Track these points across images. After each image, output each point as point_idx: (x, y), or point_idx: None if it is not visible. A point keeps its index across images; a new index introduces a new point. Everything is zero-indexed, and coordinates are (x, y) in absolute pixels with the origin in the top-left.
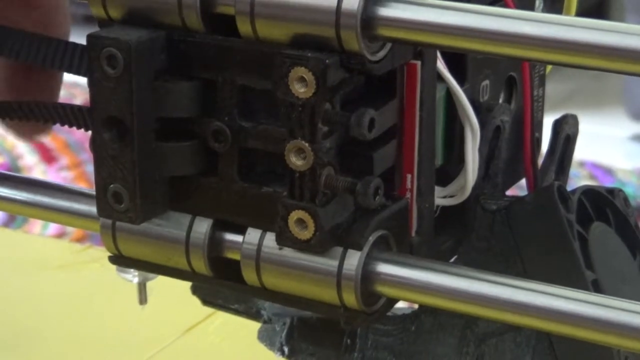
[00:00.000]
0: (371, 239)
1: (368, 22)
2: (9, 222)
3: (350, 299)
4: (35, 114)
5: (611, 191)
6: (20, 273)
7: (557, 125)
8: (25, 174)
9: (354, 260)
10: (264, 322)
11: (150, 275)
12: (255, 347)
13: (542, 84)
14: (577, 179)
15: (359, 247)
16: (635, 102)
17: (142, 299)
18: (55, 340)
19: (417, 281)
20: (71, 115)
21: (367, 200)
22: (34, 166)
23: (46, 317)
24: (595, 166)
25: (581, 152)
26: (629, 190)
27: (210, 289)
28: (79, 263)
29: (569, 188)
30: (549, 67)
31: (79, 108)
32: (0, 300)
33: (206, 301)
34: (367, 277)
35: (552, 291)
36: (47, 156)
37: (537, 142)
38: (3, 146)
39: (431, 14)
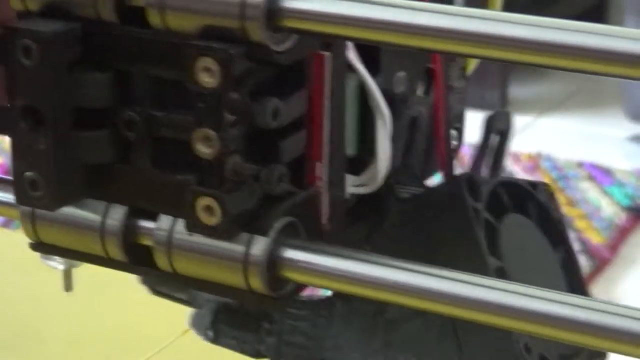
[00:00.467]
0: (278, 225)
1: (273, 13)
2: (9, 223)
3: (257, 283)
4: None
5: (534, 185)
6: (19, 273)
7: (489, 121)
8: None
9: (260, 245)
10: (197, 308)
11: (76, 262)
12: None
13: (464, 76)
14: (577, 180)
15: (265, 233)
16: (634, 103)
17: (68, 285)
18: (55, 339)
19: (324, 267)
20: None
21: (271, 187)
22: None
23: (46, 317)
24: (594, 167)
25: (580, 152)
26: (628, 191)
27: (158, 279)
28: (75, 264)
29: (569, 191)
30: (472, 61)
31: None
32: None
33: (155, 291)
34: (274, 262)
35: (453, 276)
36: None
37: (459, 133)
38: (2, 147)
39: (337, 6)
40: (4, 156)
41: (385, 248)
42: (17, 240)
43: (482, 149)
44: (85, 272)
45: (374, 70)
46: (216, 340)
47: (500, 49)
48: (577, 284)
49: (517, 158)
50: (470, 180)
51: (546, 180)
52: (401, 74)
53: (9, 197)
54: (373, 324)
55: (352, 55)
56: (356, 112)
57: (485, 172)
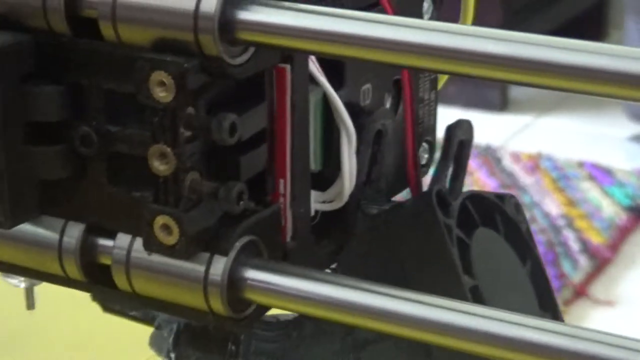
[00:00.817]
0: (238, 244)
1: (226, 25)
2: None
3: (217, 305)
4: None
5: (501, 197)
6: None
7: (450, 130)
8: None
9: (219, 265)
10: (156, 328)
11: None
12: None
13: (434, 87)
14: (577, 180)
15: (225, 253)
16: (634, 103)
17: (30, 304)
18: (54, 339)
19: (286, 288)
20: None
21: (230, 205)
22: None
23: (45, 317)
24: (595, 167)
25: (580, 152)
26: (628, 191)
27: (109, 296)
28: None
29: (569, 190)
30: (442, 76)
31: None
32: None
33: (106, 307)
34: (234, 283)
35: (427, 300)
36: None
37: (430, 146)
38: None
39: (293, 18)
40: None
41: (353, 266)
42: None
43: (444, 159)
44: None
45: (338, 82)
46: None
47: (467, 64)
48: (546, 297)
49: (517, 158)
50: (440, 195)
51: (546, 180)
52: (367, 87)
53: None
54: (343, 344)
55: (314, 68)
56: (320, 126)
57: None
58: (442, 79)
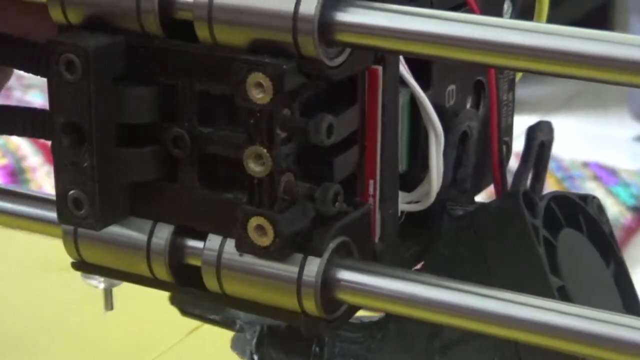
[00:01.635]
0: (331, 245)
1: (326, 27)
2: None
3: (310, 305)
4: None
5: (584, 198)
6: (25, 275)
7: (531, 132)
8: (29, 175)
9: (313, 266)
10: (237, 331)
11: (117, 281)
12: None
13: (512, 88)
14: (582, 180)
15: (318, 254)
16: (639, 103)
17: (108, 305)
18: (60, 342)
19: (378, 288)
20: (31, 123)
21: (326, 207)
22: (38, 167)
23: (50, 319)
24: (600, 167)
25: (585, 152)
26: (633, 191)
27: (189, 300)
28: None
29: (574, 190)
30: (519, 73)
31: (42, 113)
32: (5, 301)
33: (185, 312)
34: (327, 283)
35: (516, 299)
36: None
37: (507, 146)
38: (7, 147)
39: (391, 19)
40: (8, 156)
41: (439, 267)
42: (22, 241)
43: (525, 160)
44: None
45: (424, 84)
46: None
47: (557, 63)
48: (630, 298)
49: None
50: (527, 196)
51: (551, 181)
52: (451, 88)
53: (49, 215)
54: (428, 345)
55: (404, 69)
56: (407, 127)
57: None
58: (519, 74)
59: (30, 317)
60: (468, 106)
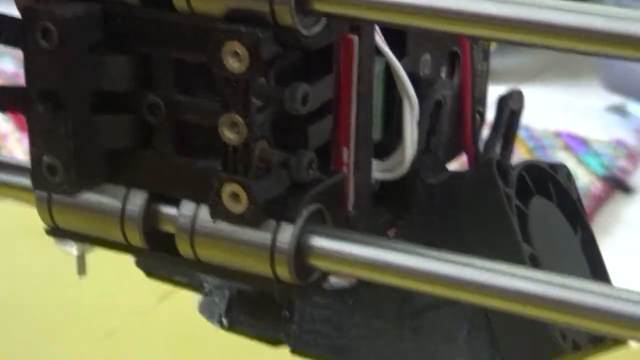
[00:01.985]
0: (305, 212)
1: None
2: None
3: (284, 272)
4: None
5: (554, 166)
6: (1, 241)
7: (502, 100)
8: (0, 142)
9: (287, 233)
10: (205, 294)
11: (89, 247)
12: None
13: (486, 58)
14: (553, 150)
15: (292, 221)
16: (610, 73)
17: (81, 270)
18: (36, 308)
19: (351, 254)
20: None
21: (300, 174)
22: (8, 134)
23: (27, 285)
24: (571, 137)
25: (556, 123)
26: (603, 160)
27: (154, 262)
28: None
29: (545, 158)
30: (493, 43)
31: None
32: None
33: (150, 273)
34: (301, 250)
35: (488, 266)
36: (22, 124)
37: (481, 116)
38: None
39: None
40: None
41: (412, 234)
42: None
43: (495, 129)
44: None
45: (399, 53)
46: (231, 327)
47: (529, 32)
48: (597, 266)
49: None
50: (500, 165)
51: (522, 150)
52: (426, 57)
53: (23, 181)
54: (400, 311)
55: (379, 38)
56: (381, 95)
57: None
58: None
59: (5, 282)
60: (443, 76)
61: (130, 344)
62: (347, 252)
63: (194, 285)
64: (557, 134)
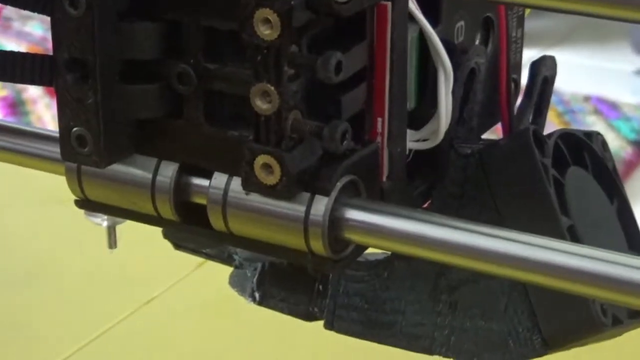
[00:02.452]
0: (339, 184)
1: None
2: None
3: (318, 245)
4: None
5: (589, 135)
6: (28, 207)
7: (535, 67)
8: (30, 107)
9: (321, 206)
10: (235, 267)
11: (120, 219)
12: None
13: (521, 25)
14: (582, 114)
15: (326, 193)
16: None
17: (112, 242)
18: (64, 274)
19: (386, 228)
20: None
21: (334, 145)
22: (38, 99)
23: (56, 253)
24: (601, 101)
25: (586, 86)
26: (634, 125)
27: (182, 233)
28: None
29: (575, 124)
30: (527, 9)
31: (35, 57)
32: (9, 235)
33: (178, 245)
34: (335, 223)
35: (526, 239)
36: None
37: (515, 85)
38: None
39: None
40: (8, 88)
41: (447, 205)
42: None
43: (528, 96)
44: None
45: (433, 20)
46: (263, 302)
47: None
48: (634, 236)
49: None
50: (536, 134)
51: (552, 114)
52: (460, 24)
53: (52, 151)
54: (435, 285)
55: (412, 5)
56: (415, 64)
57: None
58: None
59: (34, 250)
60: (476, 43)
61: (168, 310)
62: (382, 225)
63: (223, 258)
64: (587, 98)
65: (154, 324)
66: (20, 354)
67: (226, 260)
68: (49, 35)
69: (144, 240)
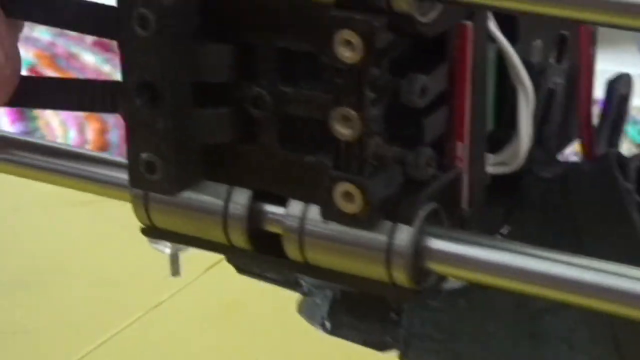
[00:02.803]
0: (422, 212)
1: None
2: None
3: (400, 276)
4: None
5: None
6: (37, 210)
7: (611, 85)
8: (37, 112)
9: (404, 235)
10: (304, 294)
11: (183, 246)
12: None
13: (594, 42)
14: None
15: (408, 221)
16: None
17: (175, 270)
18: (71, 278)
19: (470, 258)
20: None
21: (419, 172)
22: None
23: (63, 255)
24: None
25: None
26: None
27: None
28: (102, 200)
29: None
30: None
31: (102, 84)
32: (17, 238)
33: (241, 269)
34: (418, 253)
35: (612, 269)
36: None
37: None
38: None
39: None
40: None
41: (526, 232)
42: None
43: (605, 115)
44: (108, 209)
45: (511, 39)
46: (334, 331)
47: None
48: None
49: None
50: (619, 157)
51: None
52: (537, 42)
53: (118, 177)
54: (515, 314)
55: (492, 24)
56: (493, 84)
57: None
58: None
59: (46, 252)
60: (551, 61)
61: (177, 314)
62: (466, 255)
63: (289, 284)
64: (594, 101)
65: (163, 328)
66: (27, 357)
67: (293, 286)
68: (56, 41)
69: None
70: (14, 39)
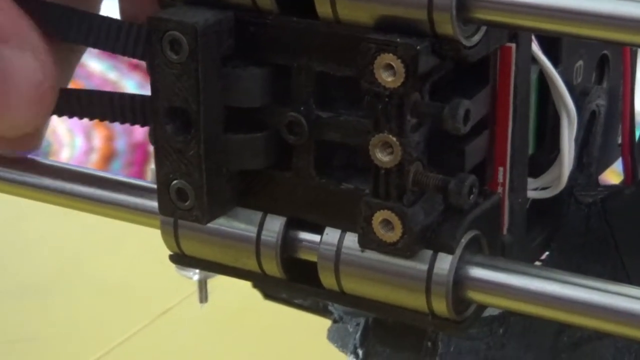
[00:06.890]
0: (463, 241)
1: (463, 3)
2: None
3: (441, 306)
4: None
5: None
6: (46, 218)
7: None
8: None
9: (445, 264)
10: (334, 321)
11: (211, 273)
12: None
13: (635, 61)
14: None
15: (450, 250)
16: None
17: (202, 297)
18: (79, 285)
19: (512, 287)
20: (123, 108)
21: (461, 200)
22: None
23: (75, 261)
24: None
25: None
26: None
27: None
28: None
29: None
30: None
31: (132, 98)
32: (26, 245)
33: (268, 295)
34: (459, 282)
35: None
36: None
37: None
38: None
39: None
40: None
41: (567, 258)
42: None
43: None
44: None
45: (554, 60)
46: (366, 359)
47: None
48: None
49: None
50: None
51: None
52: (579, 64)
53: (147, 204)
54: (554, 343)
55: (535, 46)
56: (534, 107)
57: None
58: None
59: (51, 261)
60: (592, 83)
61: (184, 321)
62: (507, 285)
63: (318, 310)
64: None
65: (170, 335)
66: None
67: (322, 312)
68: None
69: (158, 252)
70: (53, 57)
